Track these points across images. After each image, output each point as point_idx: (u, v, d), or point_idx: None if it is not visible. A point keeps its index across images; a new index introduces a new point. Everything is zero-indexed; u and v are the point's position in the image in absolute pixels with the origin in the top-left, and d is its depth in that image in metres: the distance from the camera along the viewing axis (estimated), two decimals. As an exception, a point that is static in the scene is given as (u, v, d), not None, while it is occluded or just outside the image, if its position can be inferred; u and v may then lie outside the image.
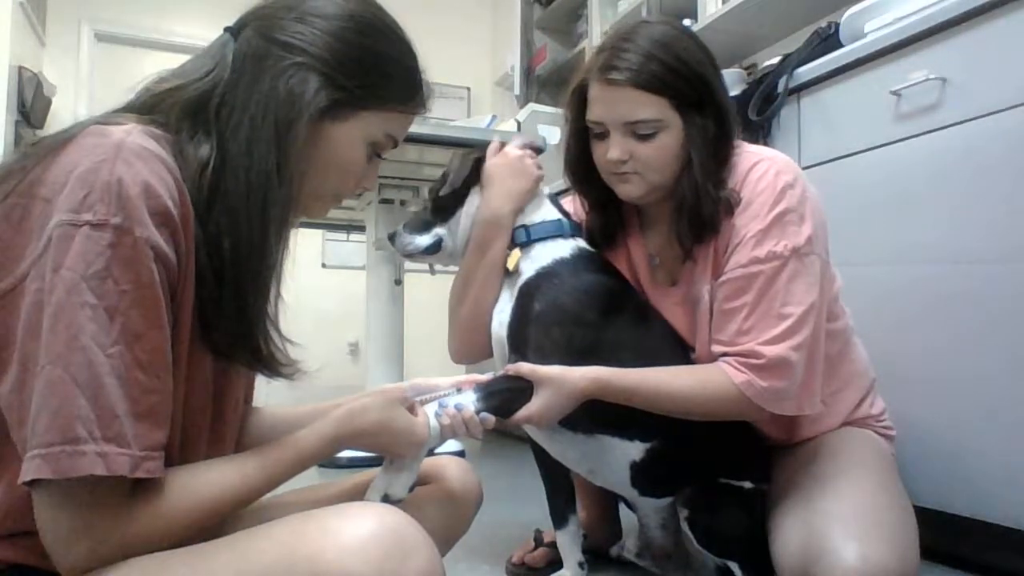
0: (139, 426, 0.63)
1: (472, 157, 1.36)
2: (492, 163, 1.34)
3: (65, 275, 0.61)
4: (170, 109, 0.74)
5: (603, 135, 1.18)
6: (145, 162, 0.65)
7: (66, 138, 0.68)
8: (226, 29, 0.81)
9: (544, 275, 1.24)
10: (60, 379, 0.60)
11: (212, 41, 0.81)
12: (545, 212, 1.32)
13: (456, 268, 1.39)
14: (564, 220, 1.31)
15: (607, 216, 1.32)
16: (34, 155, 0.68)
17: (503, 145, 1.38)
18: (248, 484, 0.73)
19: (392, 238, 1.42)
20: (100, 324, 0.61)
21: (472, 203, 1.34)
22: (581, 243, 1.30)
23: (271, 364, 0.79)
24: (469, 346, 1.36)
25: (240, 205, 0.73)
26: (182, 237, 0.68)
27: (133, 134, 0.67)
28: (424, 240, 1.38)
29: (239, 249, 0.73)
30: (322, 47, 0.77)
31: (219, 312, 0.73)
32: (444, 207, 1.37)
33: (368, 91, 0.80)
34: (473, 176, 1.34)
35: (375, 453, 0.89)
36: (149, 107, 0.76)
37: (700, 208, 1.15)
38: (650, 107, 1.12)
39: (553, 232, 1.29)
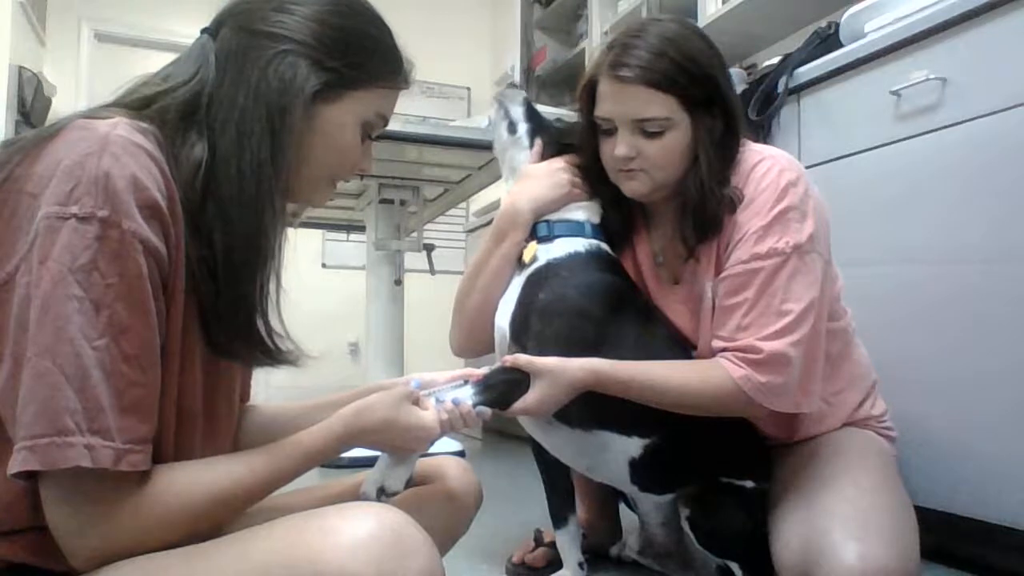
0: (123, 419, 0.63)
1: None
2: (531, 165, 1.36)
3: (52, 267, 0.61)
4: (163, 114, 0.74)
5: (611, 131, 1.18)
6: (132, 155, 0.65)
7: (51, 132, 0.68)
8: (203, 30, 0.81)
9: (555, 266, 1.25)
10: (48, 371, 0.60)
11: (191, 44, 0.80)
12: (573, 212, 1.32)
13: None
14: (588, 222, 1.31)
15: (615, 214, 1.32)
16: (20, 150, 0.68)
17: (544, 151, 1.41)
18: (256, 479, 0.73)
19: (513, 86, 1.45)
20: (87, 317, 0.61)
21: (524, 142, 1.38)
22: (601, 245, 1.30)
23: (274, 355, 0.80)
24: (472, 339, 1.36)
25: (233, 197, 0.73)
26: (172, 229, 0.68)
27: (119, 127, 0.67)
28: (525, 120, 1.40)
29: (234, 242, 0.73)
30: (306, 32, 0.78)
31: (217, 308, 0.73)
32: (535, 118, 1.41)
33: (355, 70, 0.81)
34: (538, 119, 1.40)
35: (383, 450, 0.89)
36: (139, 107, 0.75)
37: (705, 207, 1.15)
38: (659, 105, 1.13)
39: (574, 231, 1.29)
